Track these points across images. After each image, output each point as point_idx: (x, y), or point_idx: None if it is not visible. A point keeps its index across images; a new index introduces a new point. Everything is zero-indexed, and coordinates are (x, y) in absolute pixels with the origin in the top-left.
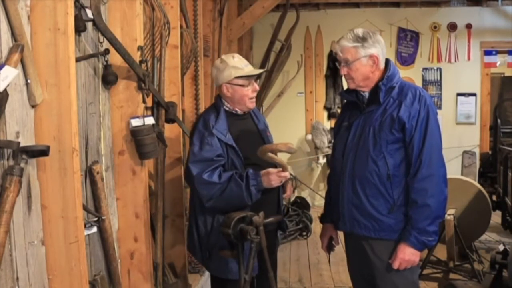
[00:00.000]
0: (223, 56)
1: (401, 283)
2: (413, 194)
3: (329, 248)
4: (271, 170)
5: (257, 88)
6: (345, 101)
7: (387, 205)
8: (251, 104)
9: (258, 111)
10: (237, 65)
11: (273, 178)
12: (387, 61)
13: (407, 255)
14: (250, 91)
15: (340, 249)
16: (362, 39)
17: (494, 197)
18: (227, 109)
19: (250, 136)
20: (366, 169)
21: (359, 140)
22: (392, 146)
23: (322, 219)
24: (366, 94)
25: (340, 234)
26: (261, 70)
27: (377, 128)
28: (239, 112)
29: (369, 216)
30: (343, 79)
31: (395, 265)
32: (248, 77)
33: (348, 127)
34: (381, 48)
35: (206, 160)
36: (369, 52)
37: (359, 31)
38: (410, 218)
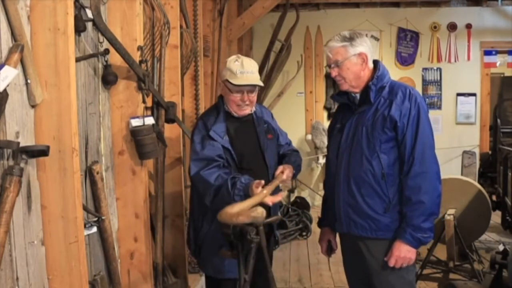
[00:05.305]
0: (233, 56)
1: (397, 283)
2: (407, 191)
3: (329, 251)
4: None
5: (251, 99)
6: (337, 104)
7: (382, 204)
8: (240, 111)
9: (262, 110)
10: (234, 69)
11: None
12: (376, 62)
13: (403, 252)
14: (238, 98)
15: (339, 249)
16: (350, 39)
17: (494, 197)
18: (226, 109)
19: (247, 141)
20: (360, 168)
21: (353, 140)
22: (385, 145)
23: (320, 223)
24: (357, 96)
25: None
26: (253, 83)
27: (370, 127)
28: (235, 115)
29: (366, 216)
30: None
31: (391, 263)
32: (237, 85)
33: (341, 129)
34: (368, 47)
35: (207, 159)
36: (358, 50)
37: (346, 32)
38: (404, 215)
